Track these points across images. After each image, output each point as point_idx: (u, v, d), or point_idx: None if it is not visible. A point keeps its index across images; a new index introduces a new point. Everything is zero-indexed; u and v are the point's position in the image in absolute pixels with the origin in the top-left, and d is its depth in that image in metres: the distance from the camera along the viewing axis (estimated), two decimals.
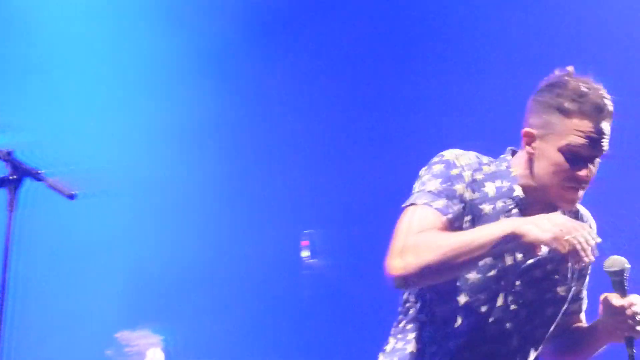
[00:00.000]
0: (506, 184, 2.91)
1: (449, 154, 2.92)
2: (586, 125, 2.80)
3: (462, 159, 2.91)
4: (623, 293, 2.85)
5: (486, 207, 2.89)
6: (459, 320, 2.90)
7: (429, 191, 2.84)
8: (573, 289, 3.03)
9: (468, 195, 2.88)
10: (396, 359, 3.00)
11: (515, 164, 2.93)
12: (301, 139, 6.96)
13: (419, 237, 2.77)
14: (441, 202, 2.82)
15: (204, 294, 6.79)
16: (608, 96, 2.86)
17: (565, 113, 2.81)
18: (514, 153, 2.99)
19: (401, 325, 3.06)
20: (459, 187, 2.86)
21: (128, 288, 6.74)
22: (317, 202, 6.86)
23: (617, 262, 2.84)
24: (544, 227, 2.62)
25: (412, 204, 2.84)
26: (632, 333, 2.86)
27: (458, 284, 2.89)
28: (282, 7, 7.05)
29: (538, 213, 2.72)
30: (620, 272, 2.83)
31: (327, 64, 6.92)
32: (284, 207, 6.89)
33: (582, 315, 3.16)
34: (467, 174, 2.89)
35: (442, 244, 2.72)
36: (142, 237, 6.83)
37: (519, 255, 2.88)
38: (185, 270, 6.77)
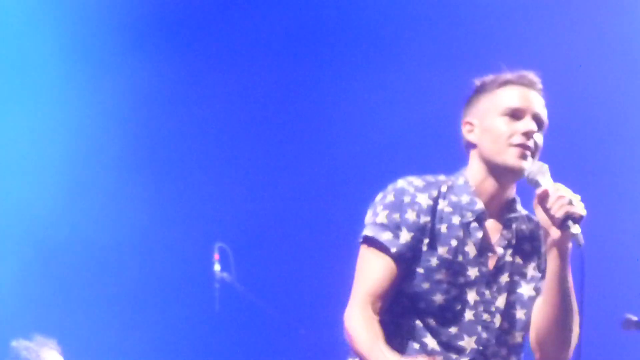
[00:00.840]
0: (466, 198, 3.00)
1: (402, 182, 3.01)
2: (514, 89, 3.01)
3: (415, 184, 3.00)
4: (542, 184, 2.89)
5: (442, 227, 2.97)
6: (432, 340, 2.94)
7: (379, 223, 2.95)
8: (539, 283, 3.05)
9: (422, 219, 2.95)
10: None
11: (469, 170, 3.05)
12: (214, 152, 6.80)
13: (355, 322, 2.94)
14: (387, 235, 2.93)
15: (111, 304, 6.65)
16: (530, 72, 3.07)
17: (492, 89, 3.02)
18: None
19: None
20: (410, 215, 2.95)
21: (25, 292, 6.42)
22: (229, 216, 6.82)
23: (532, 166, 2.92)
24: None
25: (364, 238, 2.97)
26: (564, 213, 2.81)
27: (422, 306, 2.96)
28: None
29: (492, 226, 2.99)
30: (535, 172, 2.90)
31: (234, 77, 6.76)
32: (195, 219, 6.77)
33: None
34: (421, 198, 2.98)
35: (360, 348, 2.90)
36: (44, 239, 6.52)
37: (484, 267, 2.97)
38: (92, 278, 6.63)
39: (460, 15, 6.61)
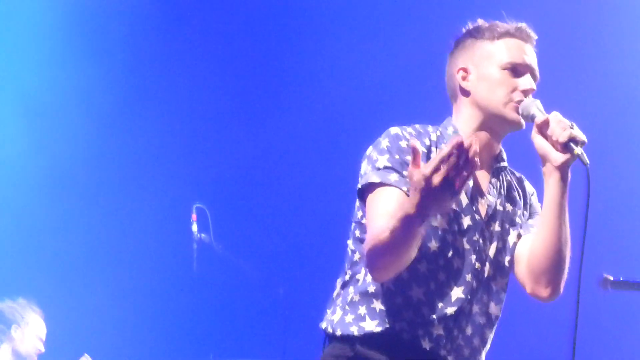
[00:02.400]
0: None
1: (394, 129, 2.96)
2: (514, 42, 3.00)
3: (408, 130, 2.97)
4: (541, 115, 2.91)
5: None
6: (418, 290, 2.90)
7: (382, 167, 2.88)
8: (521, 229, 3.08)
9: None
10: (355, 328, 2.91)
11: (458, 119, 3.04)
12: (191, 115, 6.79)
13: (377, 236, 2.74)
14: (394, 176, 2.86)
15: (89, 266, 6.66)
16: (527, 26, 3.08)
17: (491, 38, 3.00)
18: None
19: (349, 297, 2.96)
20: (409, 158, 2.79)
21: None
22: (207, 177, 6.81)
23: (525, 103, 2.94)
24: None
25: (369, 185, 2.88)
26: (568, 135, 2.83)
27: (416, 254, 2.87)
28: None
29: (481, 175, 2.98)
30: (529, 106, 2.92)
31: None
32: (172, 180, 6.76)
33: None
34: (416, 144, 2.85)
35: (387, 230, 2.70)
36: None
37: (476, 216, 2.97)
38: (69, 240, 6.66)
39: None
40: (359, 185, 2.93)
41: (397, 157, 2.90)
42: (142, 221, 6.73)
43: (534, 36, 3.06)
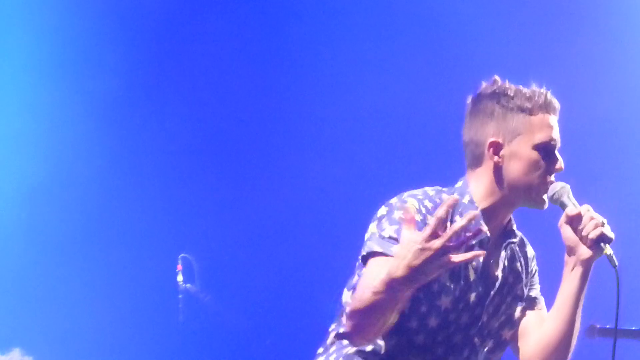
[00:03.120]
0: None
1: (412, 200, 2.89)
2: (548, 118, 2.99)
3: (425, 204, 2.89)
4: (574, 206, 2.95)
5: None
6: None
7: (387, 237, 2.83)
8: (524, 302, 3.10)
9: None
10: None
11: (477, 188, 2.98)
12: (177, 163, 6.78)
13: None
14: (396, 249, 2.77)
15: (74, 315, 6.59)
16: (552, 96, 3.05)
17: (528, 111, 2.96)
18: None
19: (345, 350, 2.96)
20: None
21: None
22: (192, 227, 6.79)
23: (554, 188, 2.96)
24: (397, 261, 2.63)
25: (371, 253, 2.84)
26: (598, 234, 2.88)
27: (414, 326, 2.90)
28: None
29: (491, 249, 2.95)
30: (561, 193, 2.95)
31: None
32: (158, 230, 6.73)
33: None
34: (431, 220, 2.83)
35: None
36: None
37: (482, 290, 2.96)
38: (53, 289, 6.57)
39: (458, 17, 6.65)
40: (363, 253, 2.88)
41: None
42: (126, 271, 6.68)
43: (559, 106, 3.03)
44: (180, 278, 6.49)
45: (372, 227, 2.89)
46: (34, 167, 6.60)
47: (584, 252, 2.90)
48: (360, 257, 2.92)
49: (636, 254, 5.61)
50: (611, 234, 2.90)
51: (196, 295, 6.51)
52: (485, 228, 2.91)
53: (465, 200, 2.96)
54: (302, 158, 6.77)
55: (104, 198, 6.69)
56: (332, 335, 3.02)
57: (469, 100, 3.06)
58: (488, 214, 2.97)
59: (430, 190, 2.97)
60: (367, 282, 2.74)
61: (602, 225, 2.88)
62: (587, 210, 2.91)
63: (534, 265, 3.17)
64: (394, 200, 2.93)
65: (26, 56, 6.72)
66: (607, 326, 4.17)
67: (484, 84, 3.04)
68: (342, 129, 6.77)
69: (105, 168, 6.72)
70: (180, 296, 6.49)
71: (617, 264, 2.89)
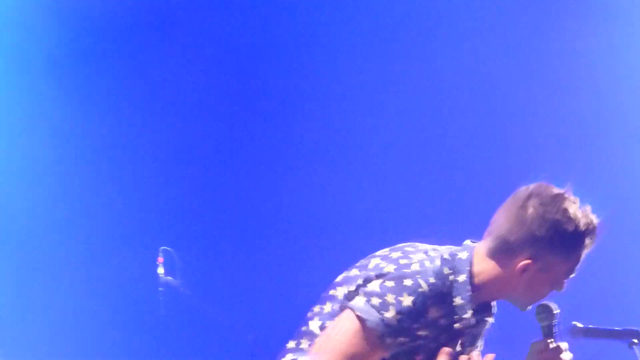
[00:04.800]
0: (459, 301, 2.95)
1: (424, 285, 2.89)
2: (584, 254, 3.02)
3: (434, 290, 2.89)
4: (553, 339, 3.01)
5: (429, 331, 2.94)
6: None
7: (386, 322, 2.86)
8: None
9: (421, 332, 2.93)
10: None
11: (481, 272, 2.98)
12: (159, 155, 6.73)
13: None
14: (387, 338, 2.87)
15: (55, 308, 6.58)
16: None
17: (578, 254, 2.98)
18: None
19: None
20: (416, 326, 2.90)
21: None
22: (174, 219, 6.75)
23: (546, 309, 3.02)
24: None
25: (357, 310, 2.87)
26: None
27: None
28: None
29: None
30: (550, 318, 3.01)
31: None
32: (139, 222, 6.69)
33: None
34: (432, 313, 2.91)
35: None
36: None
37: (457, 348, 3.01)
38: (34, 282, 6.54)
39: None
40: (351, 306, 2.89)
41: (404, 325, 2.88)
42: (107, 264, 6.64)
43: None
44: (161, 270, 6.44)
45: (374, 286, 2.90)
46: (5, 162, 6.55)
47: None
48: (345, 301, 2.94)
49: (614, 256, 5.63)
50: None
51: (177, 289, 6.46)
52: (470, 314, 2.96)
53: (462, 279, 2.95)
54: (283, 153, 6.75)
55: (85, 191, 6.65)
56: (288, 356, 3.03)
57: (519, 196, 3.00)
58: (478, 296, 3.00)
59: (437, 260, 2.95)
60: (339, 339, 2.84)
61: None
62: (561, 350, 2.98)
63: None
64: (407, 275, 2.91)
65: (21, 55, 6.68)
66: (590, 326, 4.16)
67: (538, 192, 2.99)
68: (320, 124, 6.77)
69: (87, 160, 6.69)
70: (160, 289, 6.44)
71: None
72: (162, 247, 6.44)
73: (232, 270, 6.77)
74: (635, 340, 4.05)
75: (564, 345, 2.99)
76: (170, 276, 6.45)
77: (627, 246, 6.11)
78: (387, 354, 2.87)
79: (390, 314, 2.86)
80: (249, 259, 6.73)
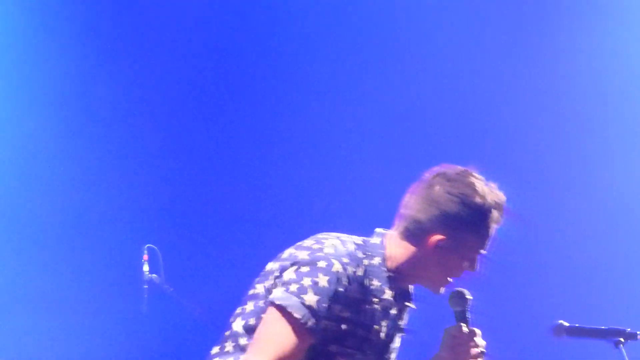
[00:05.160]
0: (377, 283, 3.00)
1: (337, 266, 2.93)
2: (494, 231, 3.05)
3: (349, 269, 2.94)
4: (466, 324, 3.06)
5: (352, 313, 2.99)
6: None
7: (307, 305, 2.89)
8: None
9: (343, 313, 2.97)
10: None
11: (394, 254, 3.04)
12: (144, 153, 6.71)
13: None
14: (310, 321, 2.89)
15: (38, 305, 6.54)
16: None
17: (487, 227, 3.01)
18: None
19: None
20: (337, 308, 2.94)
21: None
22: (158, 217, 6.73)
23: (459, 294, 3.06)
24: None
25: (282, 306, 2.89)
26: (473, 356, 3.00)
27: None
28: None
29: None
30: (463, 304, 3.05)
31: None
32: (123, 220, 6.66)
33: None
34: (351, 289, 2.95)
35: None
36: None
37: (380, 342, 3.06)
38: (18, 279, 6.53)
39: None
40: (274, 299, 2.90)
41: (324, 305, 2.90)
42: (91, 261, 6.62)
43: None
44: (146, 268, 6.41)
45: (290, 274, 2.93)
46: None
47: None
48: (268, 298, 2.95)
49: (599, 255, 5.62)
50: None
51: (161, 286, 6.43)
52: (388, 294, 3.02)
53: (376, 261, 3.01)
54: (270, 151, 6.74)
55: (70, 189, 6.64)
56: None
57: (425, 178, 3.07)
58: (394, 280, 3.04)
59: (350, 244, 3.00)
60: (266, 335, 2.87)
61: (481, 356, 2.98)
62: (474, 335, 3.01)
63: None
64: (321, 258, 2.94)
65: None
66: (576, 325, 4.13)
67: (443, 171, 3.06)
68: (306, 122, 6.77)
69: (72, 159, 6.66)
70: (145, 286, 6.41)
71: None
72: (147, 245, 6.42)
73: (217, 268, 6.74)
74: (622, 339, 4.02)
75: (477, 330, 3.02)
76: (155, 273, 6.43)
77: (613, 246, 6.09)
78: (314, 340, 2.89)
79: (308, 296, 2.88)
80: (234, 257, 6.71)
